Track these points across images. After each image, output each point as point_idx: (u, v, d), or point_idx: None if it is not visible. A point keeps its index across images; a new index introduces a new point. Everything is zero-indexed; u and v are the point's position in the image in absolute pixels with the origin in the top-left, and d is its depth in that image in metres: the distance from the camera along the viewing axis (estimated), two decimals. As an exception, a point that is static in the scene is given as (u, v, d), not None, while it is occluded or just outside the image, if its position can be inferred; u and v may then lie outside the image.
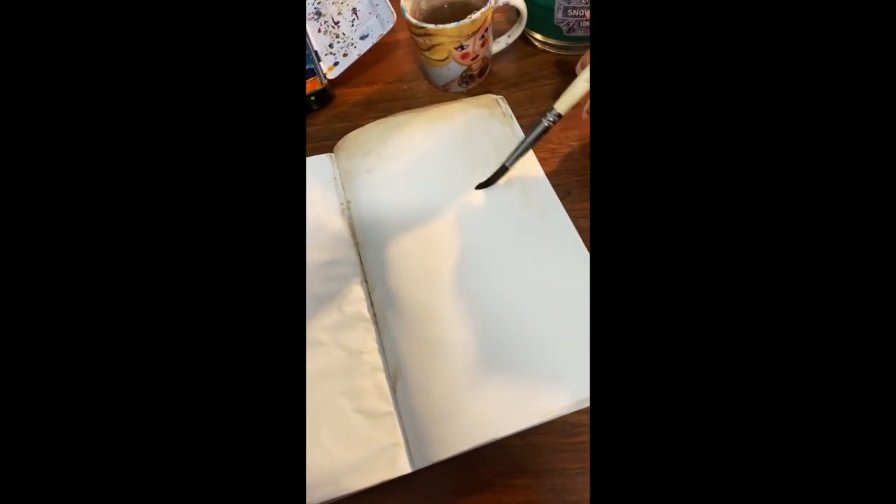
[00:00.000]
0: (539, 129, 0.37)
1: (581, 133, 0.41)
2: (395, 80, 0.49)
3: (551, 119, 0.36)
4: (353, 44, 0.47)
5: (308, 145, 0.46)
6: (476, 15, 0.39)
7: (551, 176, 0.39)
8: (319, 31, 0.49)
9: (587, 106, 0.35)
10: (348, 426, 0.30)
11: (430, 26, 0.39)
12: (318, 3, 0.49)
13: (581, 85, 0.35)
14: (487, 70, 0.46)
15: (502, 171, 0.39)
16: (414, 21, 0.40)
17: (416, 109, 0.44)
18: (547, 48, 0.47)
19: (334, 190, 0.41)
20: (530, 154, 0.40)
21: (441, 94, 0.47)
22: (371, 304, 0.35)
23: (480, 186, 0.39)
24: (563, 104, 0.36)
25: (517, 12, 0.43)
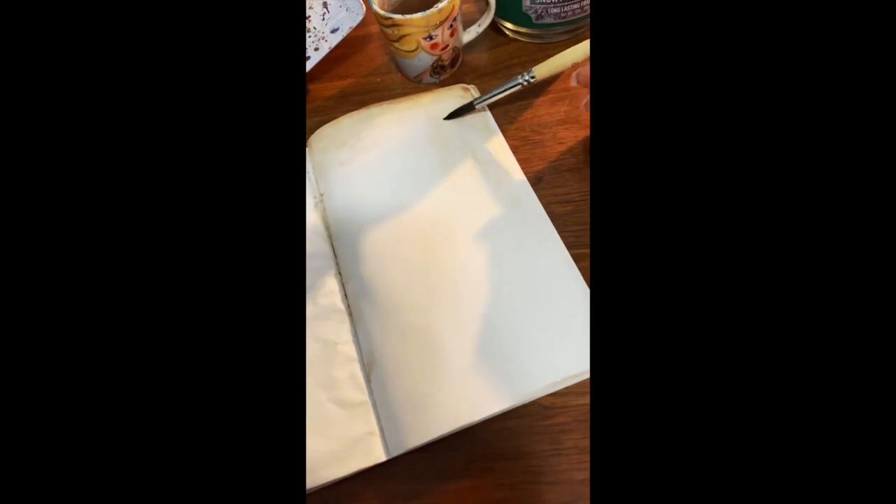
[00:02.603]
0: (512, 83, 0.39)
1: (555, 120, 0.42)
2: (368, 73, 0.49)
3: (526, 79, 0.39)
4: (324, 37, 0.47)
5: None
6: (443, 4, 0.39)
7: (524, 163, 0.39)
8: (290, 25, 0.48)
9: (586, 100, 0.35)
10: (324, 417, 0.30)
11: (397, 17, 0.39)
12: (288, -3, 0.49)
13: (567, 58, 0.37)
14: (459, 60, 0.46)
15: (469, 108, 0.42)
16: (381, 12, 0.40)
17: (390, 101, 0.44)
18: (518, 37, 0.47)
19: (308, 184, 0.41)
20: (502, 142, 0.40)
21: (414, 85, 0.47)
22: (345, 296, 0.35)
23: (449, 117, 0.42)
24: (542, 70, 0.38)
25: (486, 1, 0.43)
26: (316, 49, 0.47)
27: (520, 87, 0.39)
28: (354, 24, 0.44)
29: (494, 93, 0.40)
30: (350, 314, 0.34)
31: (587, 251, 0.34)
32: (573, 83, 0.35)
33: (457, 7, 0.40)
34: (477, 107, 0.41)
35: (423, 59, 0.43)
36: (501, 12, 0.44)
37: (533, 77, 0.39)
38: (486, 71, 0.46)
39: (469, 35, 0.45)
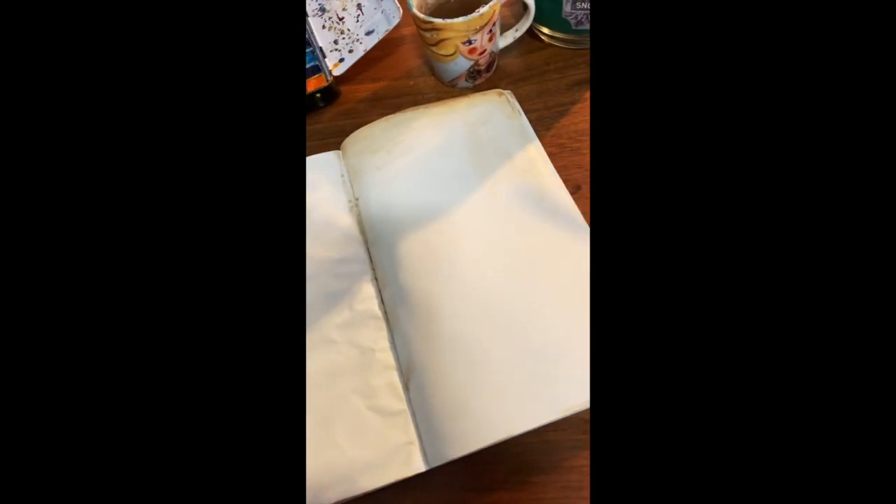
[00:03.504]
0: None
1: (590, 128, 0.41)
2: (401, 76, 0.49)
3: None
4: (358, 40, 0.47)
5: (314, 143, 0.45)
6: (484, 9, 0.38)
7: (561, 171, 0.39)
8: (324, 27, 0.48)
9: None
10: (362, 424, 0.30)
11: (438, 21, 0.38)
12: (323, -2, 0.49)
13: None
14: (495, 65, 0.46)
15: None
16: (421, 16, 0.39)
17: (424, 105, 0.44)
18: (554, 42, 0.47)
19: (342, 187, 0.41)
20: (540, 149, 0.40)
21: (448, 89, 0.47)
22: (382, 302, 0.35)
23: None
24: None
25: (524, 6, 0.43)
26: (350, 51, 0.47)
27: None
28: (391, 27, 0.44)
29: None
30: (387, 321, 0.34)
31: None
32: None
33: (497, 12, 0.40)
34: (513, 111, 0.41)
35: (460, 64, 0.43)
36: (539, 18, 0.44)
37: None
38: (521, 76, 0.46)
39: (506, 40, 0.45)
